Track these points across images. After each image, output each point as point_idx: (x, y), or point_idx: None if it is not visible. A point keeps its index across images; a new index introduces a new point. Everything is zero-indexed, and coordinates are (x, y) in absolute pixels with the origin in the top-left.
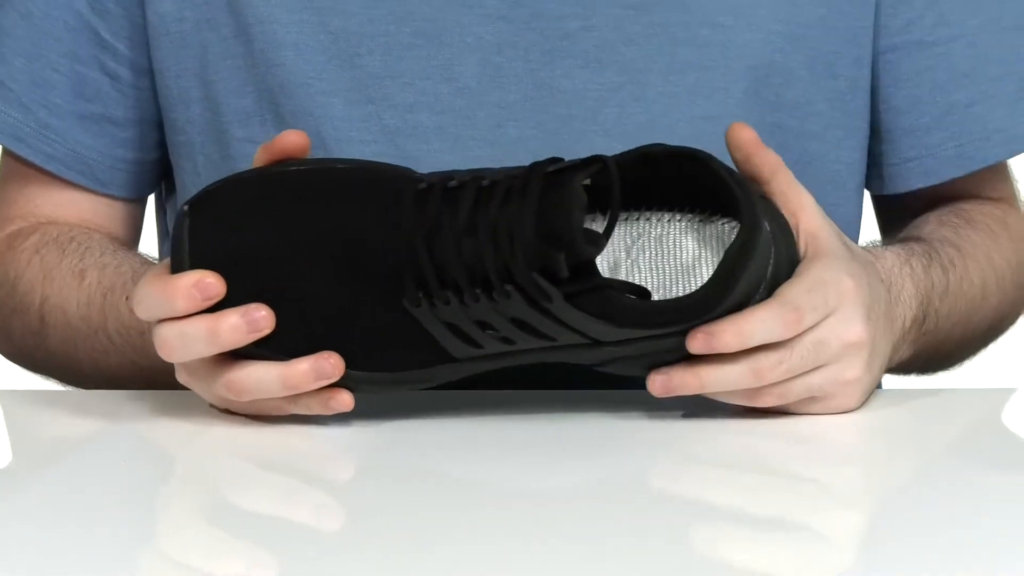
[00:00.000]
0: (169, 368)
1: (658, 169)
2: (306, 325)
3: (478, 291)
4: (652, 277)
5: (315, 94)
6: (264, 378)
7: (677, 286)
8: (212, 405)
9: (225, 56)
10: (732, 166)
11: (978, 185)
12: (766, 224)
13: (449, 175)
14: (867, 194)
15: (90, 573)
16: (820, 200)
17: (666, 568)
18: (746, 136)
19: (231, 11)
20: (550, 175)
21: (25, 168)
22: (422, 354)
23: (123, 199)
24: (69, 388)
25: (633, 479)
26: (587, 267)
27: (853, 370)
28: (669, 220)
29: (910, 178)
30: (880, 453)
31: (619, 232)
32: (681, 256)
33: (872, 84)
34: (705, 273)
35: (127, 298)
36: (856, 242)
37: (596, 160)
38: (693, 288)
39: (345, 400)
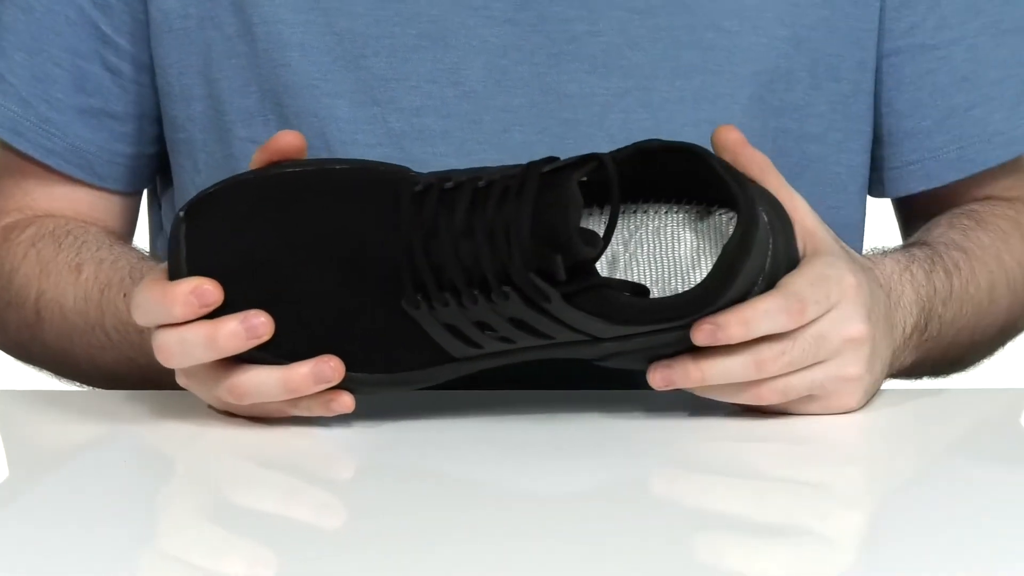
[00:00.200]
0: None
1: (654, 164)
2: (305, 327)
3: (476, 292)
4: (650, 270)
5: (320, 95)
6: (264, 382)
7: (676, 279)
8: (211, 406)
9: (229, 55)
10: None
11: (993, 185)
12: (764, 216)
13: (446, 175)
14: (877, 199)
15: (91, 573)
16: (820, 203)
17: (666, 568)
18: (732, 137)
19: (235, 10)
20: (546, 175)
21: (23, 162)
22: (422, 355)
23: (120, 193)
24: (69, 388)
25: (633, 479)
26: (585, 266)
27: (854, 367)
28: (667, 212)
29: (911, 181)
30: (881, 453)
31: (617, 225)
32: (679, 248)
33: (875, 88)
34: (704, 265)
35: (124, 295)
36: (860, 245)
37: (592, 158)
38: (692, 281)
39: (346, 402)
